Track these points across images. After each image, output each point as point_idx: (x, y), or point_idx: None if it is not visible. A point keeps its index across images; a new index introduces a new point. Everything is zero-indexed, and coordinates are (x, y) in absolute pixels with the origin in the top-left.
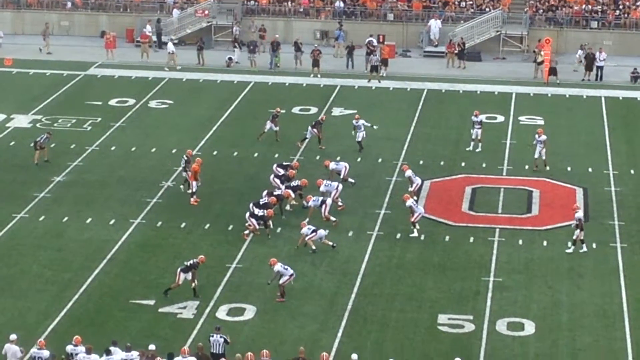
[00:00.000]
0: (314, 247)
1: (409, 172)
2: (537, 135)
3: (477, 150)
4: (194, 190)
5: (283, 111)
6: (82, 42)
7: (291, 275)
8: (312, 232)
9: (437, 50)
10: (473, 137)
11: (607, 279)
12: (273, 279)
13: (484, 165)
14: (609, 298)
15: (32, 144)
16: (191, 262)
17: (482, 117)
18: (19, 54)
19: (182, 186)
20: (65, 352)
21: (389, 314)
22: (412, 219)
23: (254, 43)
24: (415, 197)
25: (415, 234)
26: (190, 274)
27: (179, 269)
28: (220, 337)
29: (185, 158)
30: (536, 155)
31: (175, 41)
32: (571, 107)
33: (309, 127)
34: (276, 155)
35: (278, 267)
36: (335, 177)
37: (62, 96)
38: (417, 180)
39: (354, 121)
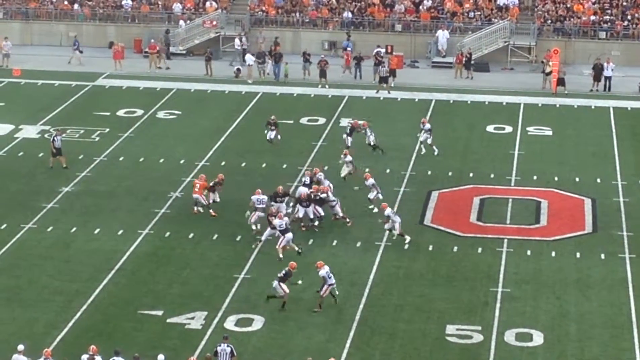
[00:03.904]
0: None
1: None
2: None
3: (435, 153)
4: (204, 203)
5: (290, 122)
6: (90, 53)
7: (332, 284)
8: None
9: (445, 60)
10: (421, 139)
11: (615, 290)
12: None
13: (492, 175)
14: (618, 309)
15: (52, 151)
16: (285, 271)
17: (429, 125)
18: (27, 64)
19: (210, 210)
20: None
21: (397, 325)
22: (398, 231)
23: (263, 54)
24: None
25: (408, 238)
26: (286, 282)
27: (276, 281)
28: (228, 346)
29: (217, 180)
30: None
31: (184, 52)
32: (579, 117)
33: (345, 135)
34: (284, 166)
35: (323, 272)
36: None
37: (70, 107)
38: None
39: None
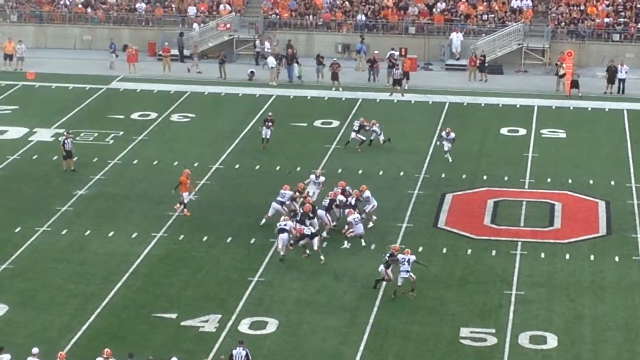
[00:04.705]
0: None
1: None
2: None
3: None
4: (186, 201)
5: (304, 124)
6: (104, 56)
7: (403, 271)
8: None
9: (458, 63)
10: (445, 149)
11: (629, 292)
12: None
13: (506, 178)
14: (632, 311)
15: (63, 154)
16: (389, 254)
17: (453, 135)
18: (42, 67)
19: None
20: None
21: (411, 327)
22: (368, 210)
23: (278, 56)
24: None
25: (371, 224)
26: (390, 267)
27: (381, 266)
28: (243, 349)
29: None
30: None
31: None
32: (593, 120)
33: (354, 133)
34: (298, 169)
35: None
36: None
37: (84, 110)
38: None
39: (367, 126)
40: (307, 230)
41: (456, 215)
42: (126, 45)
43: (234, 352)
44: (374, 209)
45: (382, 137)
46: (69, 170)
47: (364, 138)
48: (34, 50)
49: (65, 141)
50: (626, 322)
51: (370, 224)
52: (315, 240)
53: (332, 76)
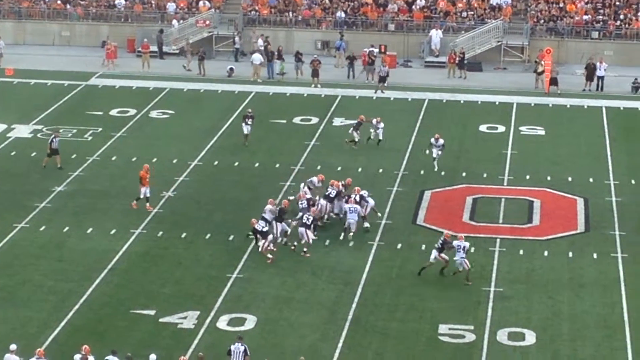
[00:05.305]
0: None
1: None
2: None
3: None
4: (147, 196)
5: (283, 121)
6: (83, 52)
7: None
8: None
9: (438, 60)
10: (434, 156)
11: (608, 289)
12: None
13: (484, 175)
14: (610, 308)
15: (47, 151)
16: (441, 241)
17: (442, 141)
18: (20, 64)
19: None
20: None
21: (390, 324)
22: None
23: (267, 53)
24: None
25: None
26: (443, 252)
27: (435, 252)
28: (242, 345)
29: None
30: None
31: (177, 51)
32: (572, 117)
33: (351, 130)
34: (277, 165)
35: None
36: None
37: (63, 106)
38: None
39: (374, 121)
40: (259, 226)
41: (435, 212)
42: (105, 42)
43: (232, 347)
44: (369, 209)
45: (381, 136)
46: (51, 167)
47: (359, 138)
48: (12, 47)
49: (53, 139)
50: (604, 318)
51: (366, 224)
52: (309, 233)
53: (313, 73)
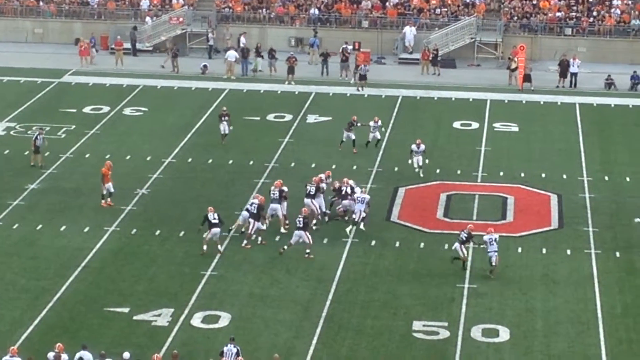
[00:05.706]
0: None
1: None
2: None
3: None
4: (111, 191)
5: (257, 118)
6: (56, 50)
7: (491, 251)
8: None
9: (411, 57)
10: (415, 165)
11: (581, 286)
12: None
13: (458, 172)
14: (583, 304)
15: (32, 148)
16: (466, 234)
17: (423, 147)
18: None
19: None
20: (46, 359)
21: (364, 321)
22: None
23: (244, 50)
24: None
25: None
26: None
27: (457, 243)
28: (234, 347)
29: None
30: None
31: (150, 48)
32: (545, 113)
33: (344, 130)
34: (251, 162)
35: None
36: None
37: (36, 103)
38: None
39: (371, 123)
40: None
41: (409, 208)
42: (78, 39)
43: (225, 349)
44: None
45: (372, 137)
46: (24, 165)
47: (349, 138)
48: None
49: (38, 137)
50: (578, 315)
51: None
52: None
53: (289, 70)
